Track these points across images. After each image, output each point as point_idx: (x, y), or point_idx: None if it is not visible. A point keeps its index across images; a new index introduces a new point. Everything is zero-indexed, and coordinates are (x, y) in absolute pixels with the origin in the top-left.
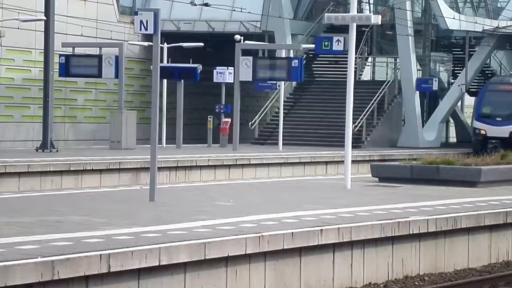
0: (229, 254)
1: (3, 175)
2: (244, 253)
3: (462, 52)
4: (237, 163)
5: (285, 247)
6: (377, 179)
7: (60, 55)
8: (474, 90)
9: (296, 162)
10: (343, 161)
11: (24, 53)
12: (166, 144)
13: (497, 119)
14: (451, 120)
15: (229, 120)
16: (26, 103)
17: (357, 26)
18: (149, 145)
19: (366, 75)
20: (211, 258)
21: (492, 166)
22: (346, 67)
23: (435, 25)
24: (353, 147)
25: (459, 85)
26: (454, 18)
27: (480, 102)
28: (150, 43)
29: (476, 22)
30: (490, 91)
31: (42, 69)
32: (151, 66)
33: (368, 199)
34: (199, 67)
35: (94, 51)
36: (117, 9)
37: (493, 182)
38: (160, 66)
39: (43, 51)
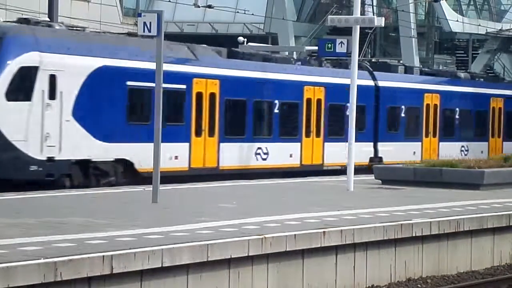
0: (232, 256)
1: None
2: (246, 255)
3: (465, 55)
4: None
5: (287, 249)
6: (380, 181)
7: None
8: None
9: None
10: None
11: None
12: None
13: None
14: None
15: None
16: None
17: (360, 28)
18: None
19: None
20: (214, 260)
21: (495, 169)
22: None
23: (438, 28)
24: None
25: None
26: (457, 21)
27: None
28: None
29: (479, 25)
30: None
31: None
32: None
33: (371, 201)
34: None
35: None
36: (121, 10)
37: (496, 185)
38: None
39: None
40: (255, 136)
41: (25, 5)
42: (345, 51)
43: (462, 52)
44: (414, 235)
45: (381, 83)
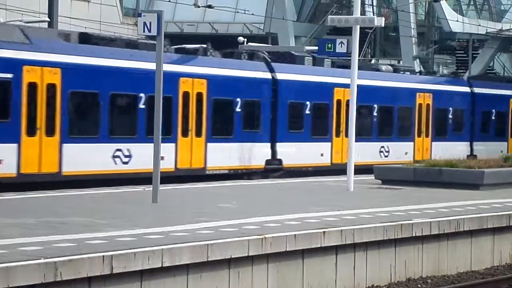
0: (232, 256)
1: None
2: (246, 255)
3: (465, 55)
4: None
5: (287, 249)
6: (380, 181)
7: None
8: None
9: None
10: None
11: None
12: None
13: None
14: None
15: None
16: None
17: (360, 28)
18: None
19: None
20: (214, 260)
21: (495, 169)
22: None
23: (438, 28)
24: None
25: None
26: (457, 21)
27: None
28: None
29: (479, 25)
30: None
31: None
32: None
33: (371, 201)
34: None
35: None
36: (121, 10)
37: (496, 185)
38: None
39: None
40: (112, 135)
41: (25, 5)
42: (345, 51)
43: (462, 52)
44: (414, 235)
45: (280, 76)
